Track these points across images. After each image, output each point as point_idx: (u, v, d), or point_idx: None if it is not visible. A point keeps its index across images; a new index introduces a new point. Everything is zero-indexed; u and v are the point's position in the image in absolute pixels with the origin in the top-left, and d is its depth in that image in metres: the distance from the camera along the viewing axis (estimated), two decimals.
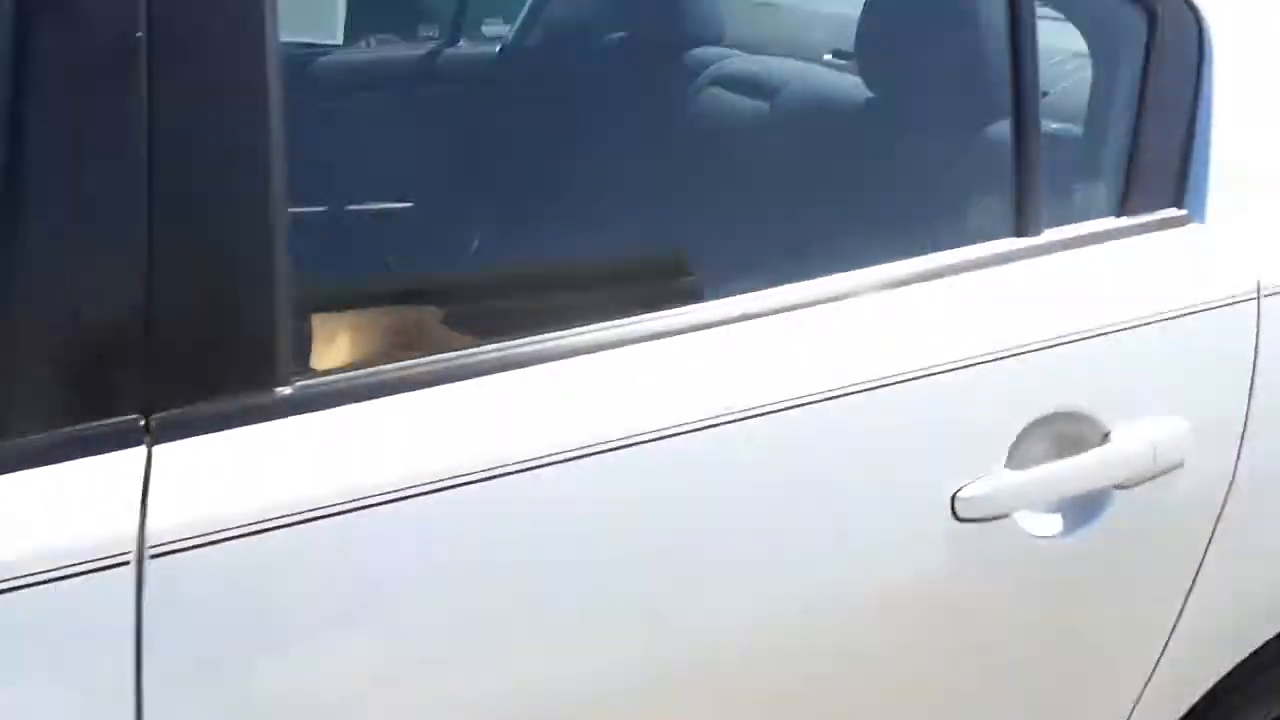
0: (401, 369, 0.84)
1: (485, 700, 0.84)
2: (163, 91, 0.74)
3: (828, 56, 1.83)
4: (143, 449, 0.76)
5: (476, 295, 0.99)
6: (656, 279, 0.97)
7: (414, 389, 0.84)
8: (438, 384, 0.84)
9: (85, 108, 0.74)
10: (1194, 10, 1.15)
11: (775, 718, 0.98)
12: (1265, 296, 1.13)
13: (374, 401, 0.82)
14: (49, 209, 0.73)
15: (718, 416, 0.89)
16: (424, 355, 0.85)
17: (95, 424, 0.75)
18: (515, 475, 0.83)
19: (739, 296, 0.96)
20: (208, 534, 0.75)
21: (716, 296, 0.97)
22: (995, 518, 1.01)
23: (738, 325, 0.95)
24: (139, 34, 0.73)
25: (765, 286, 0.98)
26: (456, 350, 0.86)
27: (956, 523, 0.99)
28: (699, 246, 1.06)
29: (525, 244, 0.94)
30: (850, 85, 1.53)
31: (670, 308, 0.93)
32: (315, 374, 0.82)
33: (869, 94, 1.45)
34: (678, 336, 0.93)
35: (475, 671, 0.84)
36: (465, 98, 1.57)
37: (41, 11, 0.73)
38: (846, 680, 1.01)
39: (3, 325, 0.74)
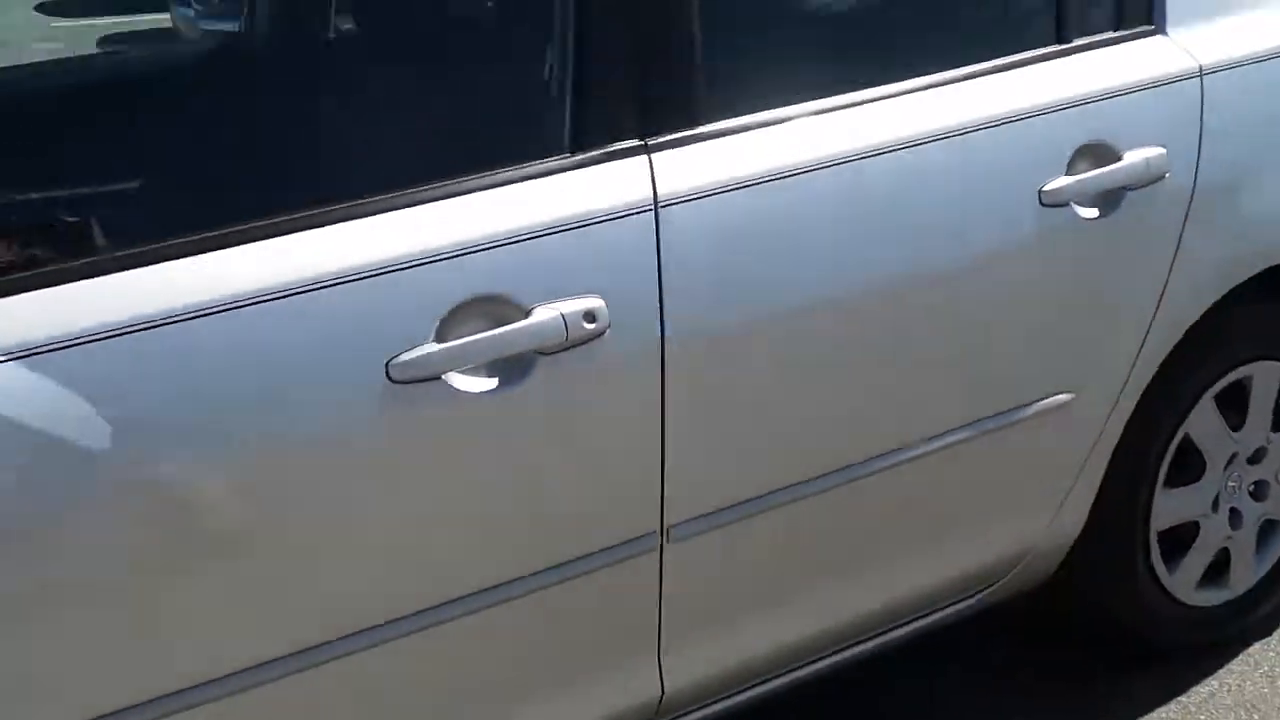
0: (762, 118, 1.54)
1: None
2: None
3: None
4: (645, 156, 1.46)
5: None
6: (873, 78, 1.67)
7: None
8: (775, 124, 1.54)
9: None
10: None
11: (908, 343, 1.65)
12: (1205, 75, 1.86)
13: (753, 131, 1.53)
14: (607, 35, 1.42)
15: (902, 141, 1.61)
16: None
17: (621, 144, 1.46)
18: (819, 172, 1.54)
19: (914, 79, 1.66)
20: (700, 192, 1.46)
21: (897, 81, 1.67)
22: (1062, 205, 1.72)
23: (910, 95, 1.65)
24: None
25: (922, 74, 1.69)
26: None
27: (1041, 207, 1.71)
28: (866, 64, 1.76)
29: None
30: None
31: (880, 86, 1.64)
32: (716, 120, 1.52)
33: None
34: (876, 101, 1.64)
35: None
36: None
37: None
38: (947, 321, 1.69)
39: (568, 92, 1.43)
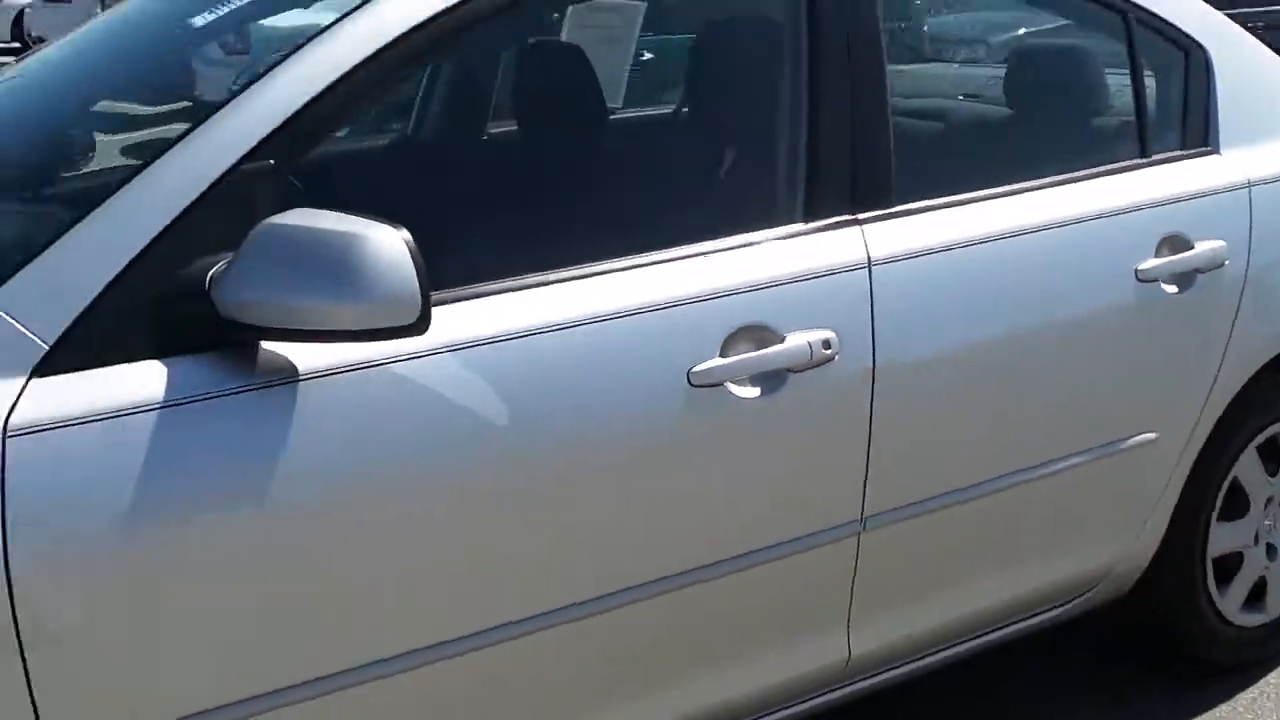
0: (934, 203, 2.01)
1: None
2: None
3: (960, 97, 3.05)
4: (859, 228, 1.92)
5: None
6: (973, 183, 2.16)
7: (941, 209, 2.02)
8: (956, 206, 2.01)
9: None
10: (1203, 49, 2.38)
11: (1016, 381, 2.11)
12: (1253, 187, 2.36)
13: (933, 212, 1.99)
14: (822, 134, 1.88)
15: (1038, 225, 2.08)
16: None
17: (838, 219, 1.91)
18: (978, 246, 1.99)
19: (1047, 178, 2.14)
20: (897, 257, 1.92)
21: (1036, 178, 2.16)
22: (1152, 281, 2.19)
23: (1043, 190, 2.13)
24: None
25: (1052, 175, 2.16)
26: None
27: (1138, 282, 2.17)
28: (1015, 166, 2.24)
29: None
30: (989, 110, 2.73)
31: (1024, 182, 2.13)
32: (906, 203, 1.97)
33: (1010, 111, 2.65)
34: (1020, 194, 2.12)
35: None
36: None
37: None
38: (1071, 365, 2.15)
39: (801, 179, 1.88)
